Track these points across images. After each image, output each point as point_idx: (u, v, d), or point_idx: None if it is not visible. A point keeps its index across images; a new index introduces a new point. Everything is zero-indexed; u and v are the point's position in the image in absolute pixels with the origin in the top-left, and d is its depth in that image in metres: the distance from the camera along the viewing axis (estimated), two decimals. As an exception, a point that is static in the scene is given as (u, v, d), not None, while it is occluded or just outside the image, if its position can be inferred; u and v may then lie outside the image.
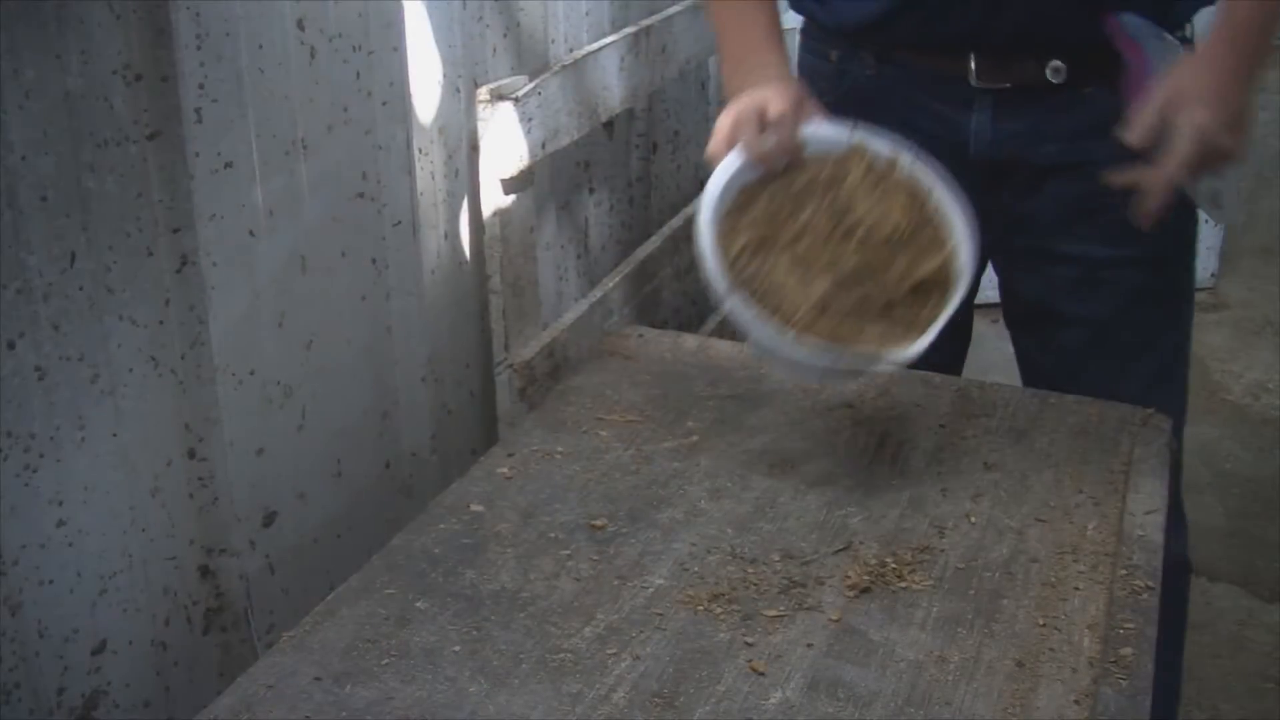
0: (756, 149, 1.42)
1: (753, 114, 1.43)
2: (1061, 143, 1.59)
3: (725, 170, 1.43)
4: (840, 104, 1.57)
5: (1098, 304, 1.65)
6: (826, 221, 1.40)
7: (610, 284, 2.02)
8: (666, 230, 2.27)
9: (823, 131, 1.47)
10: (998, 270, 1.73)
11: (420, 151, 1.63)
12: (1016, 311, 1.76)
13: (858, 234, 1.39)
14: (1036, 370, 1.74)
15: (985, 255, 1.63)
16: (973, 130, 1.61)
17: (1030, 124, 1.59)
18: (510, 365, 1.76)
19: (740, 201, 1.43)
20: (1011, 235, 1.66)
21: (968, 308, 1.75)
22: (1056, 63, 1.55)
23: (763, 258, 1.39)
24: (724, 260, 1.37)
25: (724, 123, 1.45)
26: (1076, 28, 1.51)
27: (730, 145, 1.43)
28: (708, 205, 1.40)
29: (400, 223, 1.61)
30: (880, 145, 1.46)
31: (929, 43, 1.59)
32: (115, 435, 1.27)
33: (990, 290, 1.73)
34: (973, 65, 1.57)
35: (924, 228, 1.42)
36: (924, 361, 1.42)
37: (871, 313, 1.37)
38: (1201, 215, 1.63)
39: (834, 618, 1.23)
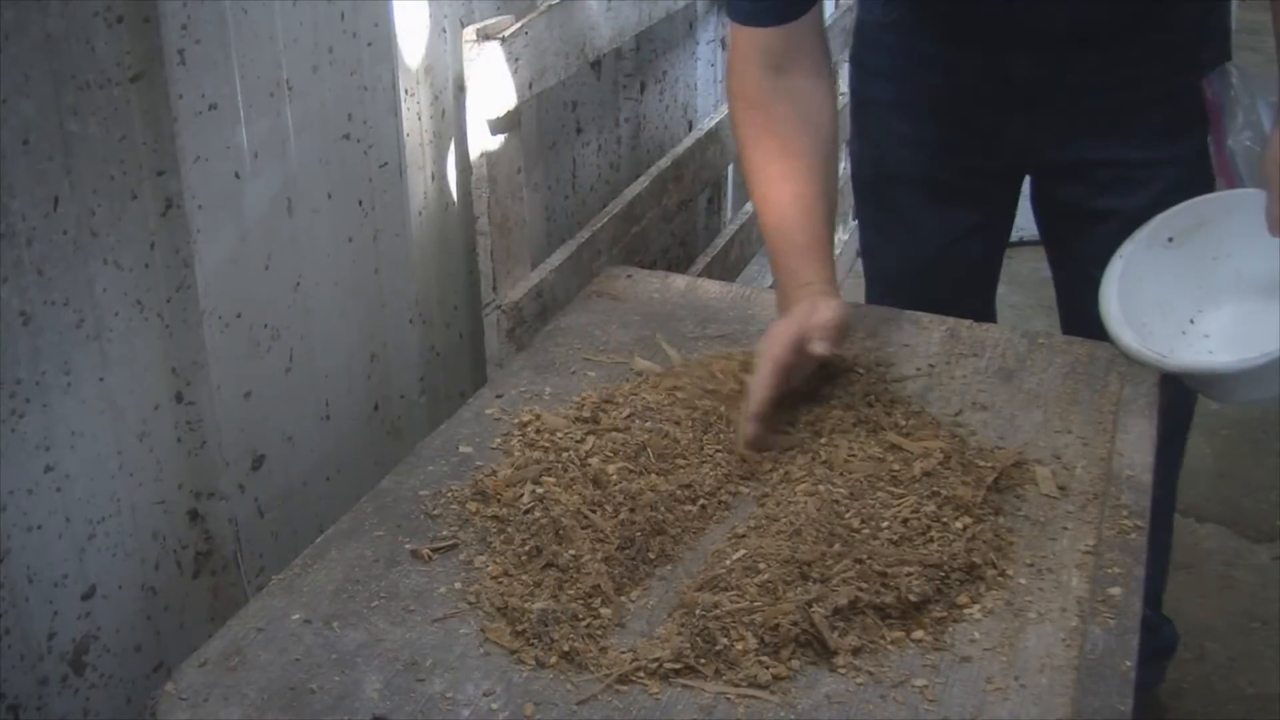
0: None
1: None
2: (1098, 68, 1.73)
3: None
4: (883, 27, 1.84)
5: (1133, 198, 1.74)
6: None
7: (598, 225, 2.01)
8: (655, 171, 2.25)
9: None
10: (1034, 184, 1.92)
11: (406, 92, 1.62)
12: (1053, 215, 1.92)
13: None
14: (1072, 267, 1.88)
15: (1022, 172, 1.90)
16: (1015, 65, 1.74)
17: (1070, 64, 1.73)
18: (498, 306, 1.75)
19: None
20: (1049, 150, 1.81)
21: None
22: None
23: None
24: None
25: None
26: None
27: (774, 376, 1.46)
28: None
29: (387, 164, 1.60)
30: None
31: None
32: (102, 380, 1.26)
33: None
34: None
35: None
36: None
37: None
38: None
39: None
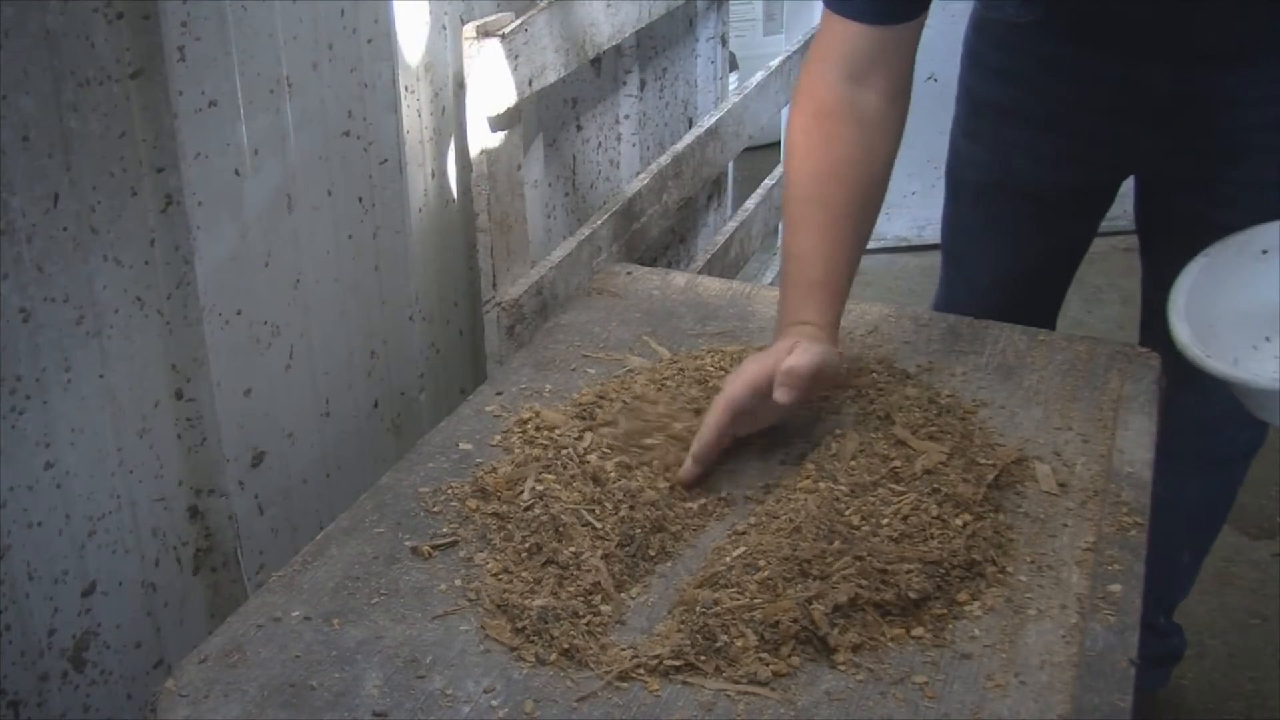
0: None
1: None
2: (1242, 86, 1.65)
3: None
4: (1014, 28, 1.73)
5: (1259, 217, 1.65)
6: None
7: (598, 222, 2.01)
8: (655, 168, 2.25)
9: None
10: (1143, 185, 1.84)
11: (406, 89, 1.61)
12: (1162, 219, 1.83)
13: None
14: (1169, 274, 1.70)
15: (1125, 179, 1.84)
16: (1154, 77, 1.66)
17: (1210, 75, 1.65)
18: (498, 303, 1.75)
19: None
20: (1176, 166, 1.74)
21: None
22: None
23: None
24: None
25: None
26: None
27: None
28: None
29: (387, 161, 1.60)
30: None
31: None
32: (102, 376, 1.26)
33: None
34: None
35: None
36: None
37: None
38: None
39: (823, 555, 1.24)
